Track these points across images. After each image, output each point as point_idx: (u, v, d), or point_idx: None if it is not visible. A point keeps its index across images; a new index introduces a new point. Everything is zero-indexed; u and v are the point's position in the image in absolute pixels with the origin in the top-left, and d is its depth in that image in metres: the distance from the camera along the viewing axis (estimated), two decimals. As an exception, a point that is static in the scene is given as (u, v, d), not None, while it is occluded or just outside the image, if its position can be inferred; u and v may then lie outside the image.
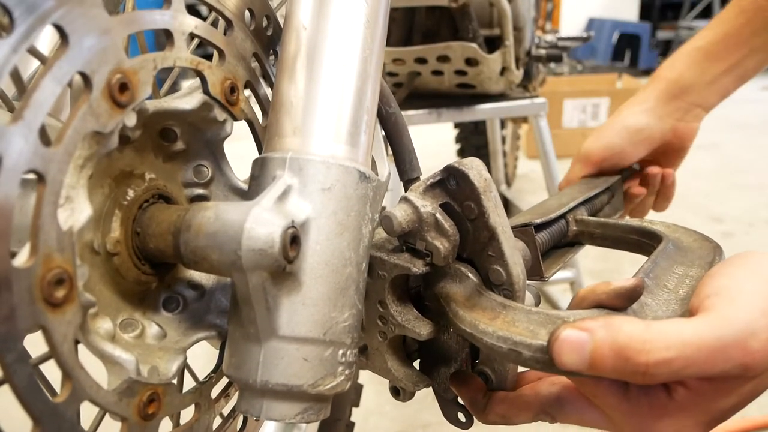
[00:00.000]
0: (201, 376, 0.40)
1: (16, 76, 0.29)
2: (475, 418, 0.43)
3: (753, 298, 0.31)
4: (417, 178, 0.43)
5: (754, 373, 0.30)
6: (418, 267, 0.38)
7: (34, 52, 0.28)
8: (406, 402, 0.45)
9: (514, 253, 0.38)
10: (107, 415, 0.32)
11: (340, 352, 0.35)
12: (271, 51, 0.43)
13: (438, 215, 0.38)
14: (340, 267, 0.35)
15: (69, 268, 0.28)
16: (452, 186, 0.38)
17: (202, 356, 0.49)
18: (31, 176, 0.27)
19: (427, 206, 0.38)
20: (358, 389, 0.73)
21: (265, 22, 0.42)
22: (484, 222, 0.37)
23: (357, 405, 0.73)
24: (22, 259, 0.26)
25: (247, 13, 0.40)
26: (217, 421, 0.41)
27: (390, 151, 0.44)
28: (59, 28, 0.27)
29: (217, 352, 0.42)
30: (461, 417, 0.44)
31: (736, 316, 0.30)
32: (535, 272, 0.47)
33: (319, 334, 0.34)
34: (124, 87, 0.30)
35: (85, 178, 0.29)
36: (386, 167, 0.42)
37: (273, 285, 0.33)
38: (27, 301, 0.25)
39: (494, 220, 0.37)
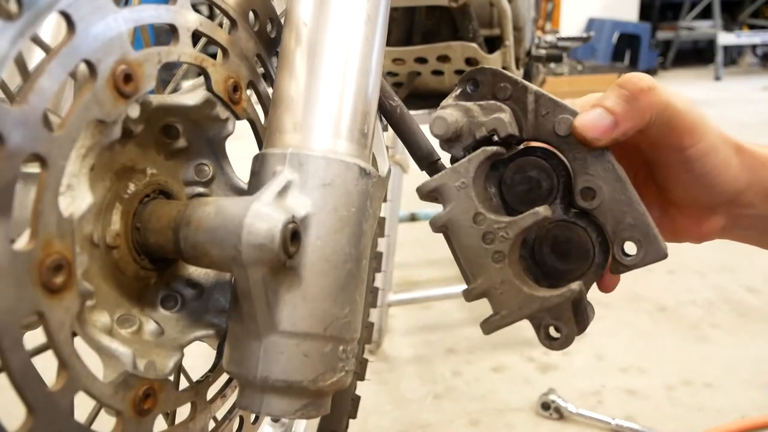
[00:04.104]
0: (201, 376, 0.40)
1: (21, 63, 0.29)
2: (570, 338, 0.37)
3: None
4: (437, 161, 0.42)
5: None
6: (491, 148, 0.38)
7: (37, 40, 0.28)
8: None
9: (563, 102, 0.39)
10: (103, 420, 0.32)
11: (341, 347, 0.35)
12: (275, 52, 0.44)
13: (481, 102, 0.39)
14: (340, 263, 0.35)
15: (68, 254, 0.27)
16: (472, 89, 0.39)
17: (201, 356, 0.48)
18: (32, 170, 0.27)
19: (466, 103, 0.39)
20: (355, 401, 0.72)
21: (268, 24, 0.43)
22: (521, 88, 0.39)
23: (354, 416, 0.72)
24: (21, 242, 0.25)
25: (251, 14, 0.41)
26: (213, 424, 0.41)
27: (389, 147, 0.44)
28: (66, 16, 0.27)
29: (215, 352, 0.41)
30: (553, 333, 0.38)
31: None
32: None
33: (319, 330, 0.34)
34: (128, 77, 0.30)
35: (87, 167, 0.29)
36: (386, 163, 0.42)
37: (273, 280, 0.33)
38: (25, 285, 0.25)
39: (528, 83, 0.39)
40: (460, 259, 0.39)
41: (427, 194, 0.39)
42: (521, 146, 0.41)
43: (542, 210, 0.37)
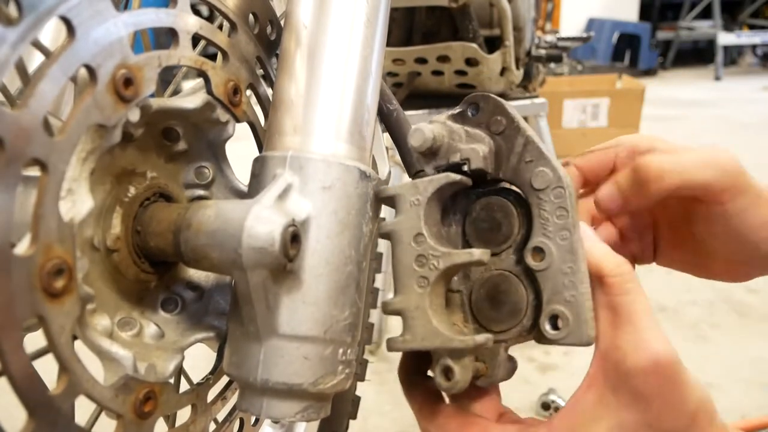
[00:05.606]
0: (201, 379, 0.40)
1: (21, 68, 0.29)
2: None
3: None
4: (423, 171, 0.42)
5: None
6: (455, 176, 0.37)
7: (37, 45, 0.28)
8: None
9: (551, 153, 0.38)
10: (103, 423, 0.32)
11: (341, 350, 0.35)
12: (275, 55, 0.44)
13: (468, 128, 0.39)
14: (340, 265, 0.35)
15: (69, 259, 0.27)
16: (472, 114, 0.39)
17: (201, 359, 0.48)
18: (33, 174, 0.27)
19: (455, 124, 0.39)
20: (355, 402, 0.72)
21: (268, 26, 0.43)
22: (515, 128, 0.39)
23: (354, 417, 0.72)
24: (22, 247, 0.26)
25: (251, 16, 0.41)
26: (213, 426, 0.41)
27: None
28: (66, 20, 0.27)
29: (215, 354, 0.41)
30: (448, 374, 0.37)
31: None
32: None
33: (319, 333, 0.34)
34: (128, 82, 0.30)
35: (87, 171, 0.29)
36: (386, 166, 0.42)
37: (273, 283, 0.33)
38: (26, 289, 0.25)
39: (524, 125, 0.39)
40: (393, 271, 0.39)
41: (384, 199, 0.39)
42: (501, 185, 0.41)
43: (477, 253, 0.36)
